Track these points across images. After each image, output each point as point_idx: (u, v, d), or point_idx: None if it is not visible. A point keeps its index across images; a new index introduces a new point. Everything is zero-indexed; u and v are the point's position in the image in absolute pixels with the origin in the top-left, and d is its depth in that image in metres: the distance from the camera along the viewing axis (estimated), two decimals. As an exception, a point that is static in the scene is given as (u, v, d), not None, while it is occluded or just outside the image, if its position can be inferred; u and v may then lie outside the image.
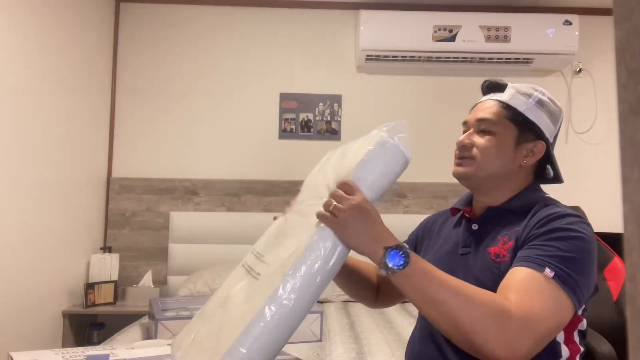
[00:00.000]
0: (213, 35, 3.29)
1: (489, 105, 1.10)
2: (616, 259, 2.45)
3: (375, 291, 1.26)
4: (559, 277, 0.89)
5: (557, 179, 1.18)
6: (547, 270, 0.89)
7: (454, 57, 3.13)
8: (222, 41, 3.30)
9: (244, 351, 0.77)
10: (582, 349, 1.05)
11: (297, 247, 0.85)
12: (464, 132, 1.13)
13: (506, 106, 1.08)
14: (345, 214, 0.84)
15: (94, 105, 3.02)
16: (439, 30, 3.07)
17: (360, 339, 1.96)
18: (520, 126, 1.08)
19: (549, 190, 1.19)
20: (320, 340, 1.80)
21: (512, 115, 1.07)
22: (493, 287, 0.94)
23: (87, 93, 2.92)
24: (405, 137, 0.92)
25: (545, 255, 0.92)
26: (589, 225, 1.02)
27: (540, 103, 1.09)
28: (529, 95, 1.09)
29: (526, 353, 0.85)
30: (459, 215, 1.17)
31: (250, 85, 3.28)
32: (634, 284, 0.30)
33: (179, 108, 3.25)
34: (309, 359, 1.65)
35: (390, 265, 0.83)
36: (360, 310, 2.51)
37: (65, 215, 2.70)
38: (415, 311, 2.43)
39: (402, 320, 2.30)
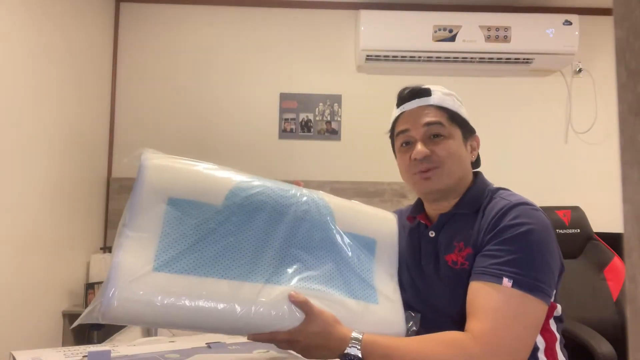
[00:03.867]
0: (213, 35, 3.29)
1: (427, 110, 1.06)
2: (616, 259, 2.46)
3: None
4: (519, 284, 0.90)
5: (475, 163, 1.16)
6: (505, 280, 0.90)
7: (454, 57, 3.13)
8: (222, 41, 3.30)
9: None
10: (558, 336, 1.04)
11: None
12: (404, 142, 1.09)
13: (442, 108, 1.07)
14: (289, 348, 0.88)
15: (94, 104, 3.02)
16: (439, 30, 3.07)
17: (360, 339, 1.96)
18: (459, 125, 1.08)
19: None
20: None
21: (450, 116, 1.07)
22: (459, 294, 0.97)
23: (87, 93, 2.92)
24: None
25: (499, 263, 0.92)
26: (537, 209, 1.00)
27: (458, 100, 1.11)
28: (450, 94, 1.10)
29: None
30: (416, 222, 1.16)
31: (250, 85, 3.28)
32: (634, 284, 0.30)
33: (179, 108, 3.25)
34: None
35: None
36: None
37: (65, 215, 2.70)
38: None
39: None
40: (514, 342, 0.87)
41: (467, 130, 1.09)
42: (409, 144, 1.08)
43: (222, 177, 0.92)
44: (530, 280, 0.90)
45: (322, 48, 3.32)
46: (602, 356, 1.88)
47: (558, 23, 3.08)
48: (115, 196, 3.17)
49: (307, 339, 0.85)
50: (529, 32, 3.07)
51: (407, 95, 1.10)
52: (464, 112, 1.10)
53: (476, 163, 1.15)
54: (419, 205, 1.17)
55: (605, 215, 2.82)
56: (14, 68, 2.26)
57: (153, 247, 0.81)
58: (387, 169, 3.25)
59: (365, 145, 3.26)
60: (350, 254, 0.96)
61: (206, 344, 1.03)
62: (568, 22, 3.07)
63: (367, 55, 3.13)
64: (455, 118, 1.07)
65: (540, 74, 3.33)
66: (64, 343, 2.69)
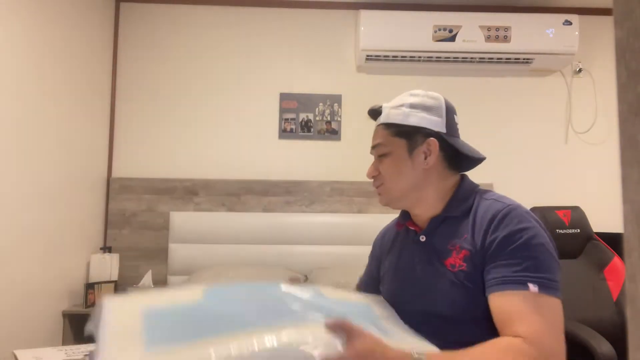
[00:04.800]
0: (213, 35, 3.29)
1: (377, 132, 1.18)
2: (616, 259, 2.46)
3: None
4: (543, 287, 0.94)
5: (475, 160, 1.15)
6: (531, 286, 0.94)
7: (454, 57, 3.13)
8: (222, 41, 3.30)
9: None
10: None
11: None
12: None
13: (387, 125, 1.14)
14: None
15: (94, 105, 3.02)
16: (439, 30, 3.07)
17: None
18: (405, 136, 1.11)
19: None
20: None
21: (395, 131, 1.12)
22: (458, 297, 0.99)
23: (87, 93, 2.92)
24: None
25: (519, 270, 0.96)
26: (528, 211, 1.04)
27: (413, 106, 1.12)
28: (401, 105, 1.13)
29: None
30: (404, 228, 1.21)
31: (250, 85, 3.28)
32: (634, 284, 0.30)
33: (179, 108, 3.25)
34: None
35: None
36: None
37: (65, 215, 2.70)
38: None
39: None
40: (559, 344, 0.92)
41: (416, 137, 1.10)
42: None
43: (192, 287, 0.91)
44: (551, 282, 0.95)
45: (322, 48, 3.32)
46: (602, 356, 1.88)
47: (558, 23, 3.08)
48: (115, 196, 3.17)
49: (382, 353, 0.80)
50: (529, 32, 3.07)
51: (369, 113, 1.23)
52: (414, 119, 1.10)
53: (474, 160, 1.14)
54: (405, 213, 1.20)
55: (605, 215, 2.83)
56: (14, 68, 2.26)
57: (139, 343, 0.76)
58: (387, 169, 3.25)
59: (365, 145, 3.25)
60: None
61: None
62: (568, 22, 3.07)
63: (367, 55, 3.13)
64: (399, 131, 1.12)
65: (540, 74, 3.33)
66: (64, 343, 2.69)
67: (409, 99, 1.13)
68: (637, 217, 0.30)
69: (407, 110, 1.12)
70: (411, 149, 1.11)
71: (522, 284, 0.94)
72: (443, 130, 1.12)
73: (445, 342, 0.98)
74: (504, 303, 0.95)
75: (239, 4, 3.30)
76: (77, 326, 2.80)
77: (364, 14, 3.08)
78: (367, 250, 1.39)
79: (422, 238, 1.11)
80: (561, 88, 3.34)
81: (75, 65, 2.78)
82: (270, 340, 0.74)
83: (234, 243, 3.09)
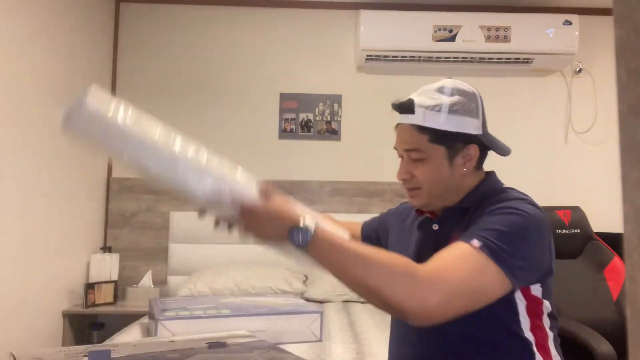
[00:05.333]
0: (213, 35, 3.29)
1: (408, 133, 1.07)
2: (616, 259, 2.46)
3: None
4: (487, 248, 0.90)
5: (502, 152, 1.16)
6: (475, 241, 0.91)
7: (454, 57, 3.13)
8: (222, 41, 3.30)
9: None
10: (551, 333, 1.04)
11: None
12: (400, 156, 1.12)
13: (422, 129, 1.05)
14: (243, 226, 0.92)
15: (94, 105, 3.01)
16: (439, 30, 3.07)
17: (360, 339, 1.96)
18: (445, 143, 1.05)
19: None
20: (320, 340, 1.80)
21: (433, 137, 1.04)
22: None
23: (87, 93, 2.92)
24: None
25: (477, 229, 0.94)
26: (537, 207, 1.01)
27: (452, 110, 1.05)
28: (439, 107, 1.05)
29: (436, 305, 0.86)
30: (424, 215, 1.18)
31: (250, 85, 3.28)
32: (634, 284, 0.30)
33: (179, 108, 3.25)
34: (309, 359, 1.65)
35: (296, 243, 0.88)
36: (360, 310, 2.51)
37: (65, 215, 2.70)
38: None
39: (402, 320, 2.29)
40: (452, 282, 0.87)
41: (457, 144, 1.06)
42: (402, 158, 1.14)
43: None
44: (500, 251, 0.90)
45: (322, 48, 3.32)
46: (602, 356, 1.88)
47: (558, 23, 3.08)
48: (115, 196, 3.17)
49: (267, 213, 0.90)
50: (529, 32, 3.07)
51: (395, 108, 1.11)
52: (455, 123, 1.05)
53: (501, 152, 1.15)
54: None
55: (605, 215, 2.83)
56: (14, 68, 2.26)
57: None
58: (387, 169, 3.25)
59: (365, 145, 3.26)
60: None
61: (206, 343, 1.03)
62: (568, 22, 3.07)
63: (367, 55, 3.13)
64: (437, 137, 1.05)
65: (540, 74, 3.33)
66: (64, 343, 2.69)
67: (446, 99, 1.05)
68: (637, 217, 0.30)
69: (446, 114, 1.04)
70: (451, 157, 1.06)
71: (468, 238, 0.92)
72: (480, 131, 1.08)
73: (446, 333, 0.98)
74: (440, 252, 0.93)
75: (239, 4, 3.30)
76: (77, 326, 2.80)
77: (364, 14, 3.08)
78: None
79: (435, 226, 1.10)
80: (561, 88, 3.34)
81: (75, 65, 2.78)
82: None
83: (233, 243, 3.09)
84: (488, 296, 0.91)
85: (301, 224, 0.88)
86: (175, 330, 1.59)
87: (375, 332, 2.07)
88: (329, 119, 3.28)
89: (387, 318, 2.34)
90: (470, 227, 0.98)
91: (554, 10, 3.21)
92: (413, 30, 3.07)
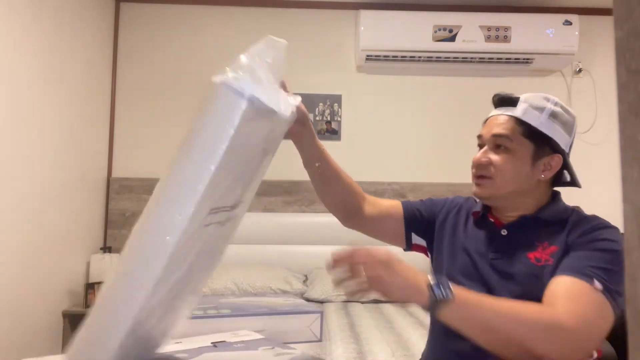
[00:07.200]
0: (213, 35, 3.29)
1: (502, 121, 1.08)
2: (616, 259, 2.46)
3: (355, 206, 1.24)
4: (607, 290, 0.91)
5: (574, 184, 1.15)
6: (597, 283, 0.91)
7: (454, 57, 3.13)
8: (222, 41, 3.29)
9: None
10: (602, 351, 1.08)
11: None
12: (479, 146, 1.11)
13: (520, 122, 1.06)
14: (376, 274, 0.83)
15: (94, 105, 3.02)
16: (439, 30, 3.07)
17: (360, 339, 1.96)
18: (535, 141, 1.06)
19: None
20: (320, 340, 1.80)
21: (527, 132, 1.06)
22: (535, 291, 0.96)
23: (87, 93, 2.92)
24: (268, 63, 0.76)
25: (592, 266, 0.94)
26: (620, 233, 1.02)
27: (553, 115, 1.07)
28: (542, 109, 1.07)
29: (579, 354, 0.89)
30: (481, 218, 1.16)
31: (250, 85, 3.27)
32: (634, 284, 0.30)
33: (179, 108, 3.25)
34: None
35: (437, 297, 0.83)
36: (360, 310, 2.51)
37: (65, 215, 2.70)
38: (415, 312, 2.43)
39: (402, 321, 2.30)
40: (594, 334, 0.89)
41: (544, 147, 1.07)
42: (482, 147, 1.11)
43: None
44: (615, 293, 0.92)
45: (322, 48, 3.32)
46: (602, 356, 1.88)
47: (558, 23, 3.08)
48: (115, 196, 3.17)
49: (399, 264, 0.84)
50: (529, 32, 3.07)
51: (495, 101, 1.12)
52: (550, 129, 1.06)
53: (573, 183, 1.14)
54: (486, 205, 1.17)
55: (605, 215, 2.82)
56: (14, 68, 2.26)
57: None
58: (387, 169, 3.25)
59: (365, 145, 3.26)
60: None
61: (212, 343, 1.03)
62: (568, 22, 3.07)
63: (367, 55, 3.13)
64: (530, 134, 1.05)
65: (540, 74, 3.33)
66: (64, 343, 2.69)
67: (550, 106, 1.07)
68: (637, 217, 0.30)
69: (547, 117, 1.06)
70: (536, 157, 1.06)
71: (587, 277, 0.92)
72: (567, 149, 1.09)
73: None
74: (562, 284, 0.93)
75: (239, 4, 3.30)
76: (77, 326, 2.79)
77: (364, 14, 3.08)
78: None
79: (504, 232, 1.09)
80: (561, 88, 3.33)
81: (75, 66, 2.78)
82: None
83: (233, 243, 3.07)
84: (605, 335, 0.93)
85: (435, 280, 0.85)
86: (175, 330, 1.59)
87: (375, 332, 2.07)
88: (329, 119, 3.28)
89: (387, 319, 2.34)
90: (572, 248, 0.99)
91: (554, 10, 3.21)
92: (413, 30, 3.07)
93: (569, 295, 0.91)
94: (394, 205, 1.29)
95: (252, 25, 3.31)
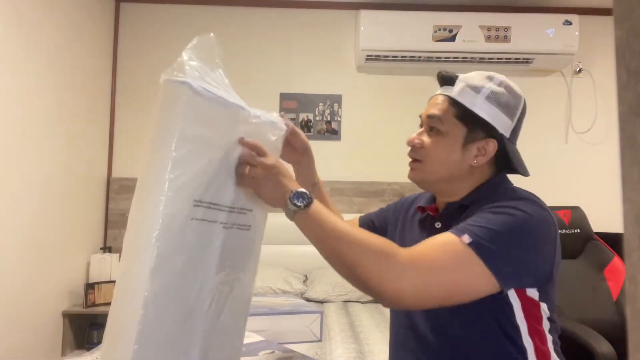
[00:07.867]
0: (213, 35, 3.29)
1: (439, 101, 1.03)
2: (616, 259, 2.46)
3: None
4: (476, 245, 0.85)
5: (522, 171, 1.08)
6: (465, 236, 0.86)
7: (454, 57, 3.13)
8: (222, 41, 3.28)
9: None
10: (550, 337, 1.00)
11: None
12: (420, 127, 1.07)
13: (455, 102, 1.00)
14: (260, 175, 0.89)
15: (94, 105, 3.02)
16: (439, 30, 3.07)
17: (360, 339, 1.96)
18: (468, 124, 1.00)
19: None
20: (320, 340, 1.80)
21: (460, 113, 1.00)
22: None
23: (87, 93, 2.92)
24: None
25: (471, 224, 0.88)
26: (544, 209, 0.94)
27: (492, 96, 0.99)
28: (479, 89, 1.00)
29: (409, 289, 0.82)
30: (425, 213, 1.12)
31: (250, 85, 3.28)
32: (634, 284, 0.30)
33: (179, 108, 3.25)
34: (309, 359, 1.65)
35: (292, 204, 0.87)
36: (360, 310, 2.51)
37: (65, 215, 2.70)
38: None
39: (402, 320, 2.29)
40: (438, 278, 0.83)
41: (478, 131, 1.00)
42: (420, 128, 1.07)
43: None
44: (488, 250, 0.85)
45: (322, 48, 3.32)
46: (602, 356, 1.88)
47: (558, 23, 3.08)
48: (115, 196, 3.17)
49: (280, 173, 0.89)
50: (529, 32, 3.07)
51: (439, 80, 1.06)
52: (487, 111, 1.00)
53: (506, 166, 1.06)
54: (432, 197, 1.13)
55: (605, 215, 2.83)
56: (14, 68, 2.26)
57: None
58: (387, 169, 3.25)
59: (365, 145, 3.26)
60: None
61: None
62: (568, 22, 3.08)
63: (367, 55, 3.13)
64: (463, 116, 0.99)
65: (540, 74, 3.33)
66: (64, 343, 2.69)
67: (490, 85, 1.00)
68: (637, 217, 0.30)
69: (483, 98, 1.00)
70: (467, 141, 1.00)
71: (459, 231, 0.87)
72: (507, 134, 1.02)
73: (446, 335, 0.97)
74: (432, 237, 0.89)
75: (239, 4, 3.30)
76: (77, 326, 2.80)
77: (364, 14, 3.08)
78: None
79: (438, 225, 1.04)
80: (561, 88, 3.34)
81: (76, 65, 2.78)
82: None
83: (234, 243, 3.09)
84: (468, 294, 0.86)
85: (297, 192, 0.88)
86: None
87: (375, 332, 2.07)
88: (329, 119, 3.28)
89: (387, 318, 2.34)
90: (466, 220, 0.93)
91: (553, 10, 3.21)
92: (413, 30, 3.07)
93: (427, 243, 0.87)
94: (354, 223, 1.31)
95: (252, 26, 3.31)
